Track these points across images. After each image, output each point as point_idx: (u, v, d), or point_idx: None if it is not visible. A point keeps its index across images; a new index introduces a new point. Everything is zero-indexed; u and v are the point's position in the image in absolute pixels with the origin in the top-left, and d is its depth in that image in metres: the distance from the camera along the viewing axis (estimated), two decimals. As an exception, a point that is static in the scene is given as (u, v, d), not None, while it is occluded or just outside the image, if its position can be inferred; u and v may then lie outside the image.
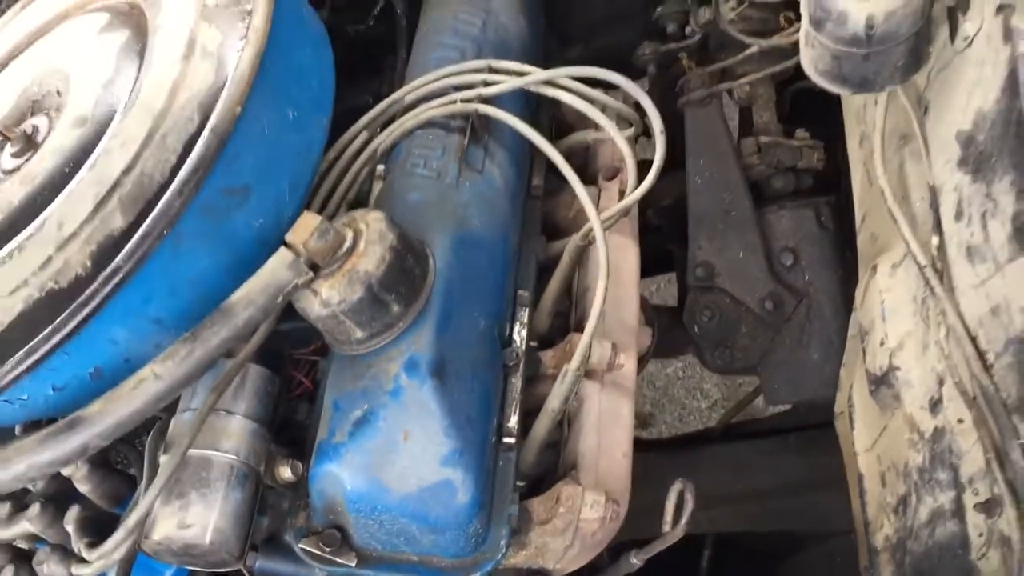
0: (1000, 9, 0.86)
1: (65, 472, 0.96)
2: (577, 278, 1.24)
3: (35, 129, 1.05)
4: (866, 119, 1.22)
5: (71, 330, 0.86)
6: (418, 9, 1.34)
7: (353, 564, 0.93)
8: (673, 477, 1.01)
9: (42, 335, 0.86)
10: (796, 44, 1.20)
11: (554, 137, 1.32)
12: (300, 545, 0.94)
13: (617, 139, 1.08)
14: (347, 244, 0.89)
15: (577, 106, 1.09)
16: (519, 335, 1.10)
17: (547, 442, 1.09)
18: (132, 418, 0.84)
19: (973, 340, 0.84)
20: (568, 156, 1.29)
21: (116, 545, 0.85)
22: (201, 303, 0.90)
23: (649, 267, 1.35)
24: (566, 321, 1.24)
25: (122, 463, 1.02)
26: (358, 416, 0.89)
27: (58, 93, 1.08)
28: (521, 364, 1.07)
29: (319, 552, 0.93)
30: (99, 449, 0.85)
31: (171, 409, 0.98)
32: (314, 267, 0.88)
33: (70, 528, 0.91)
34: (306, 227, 0.88)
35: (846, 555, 1.22)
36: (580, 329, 1.09)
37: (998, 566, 0.78)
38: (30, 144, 1.04)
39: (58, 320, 0.86)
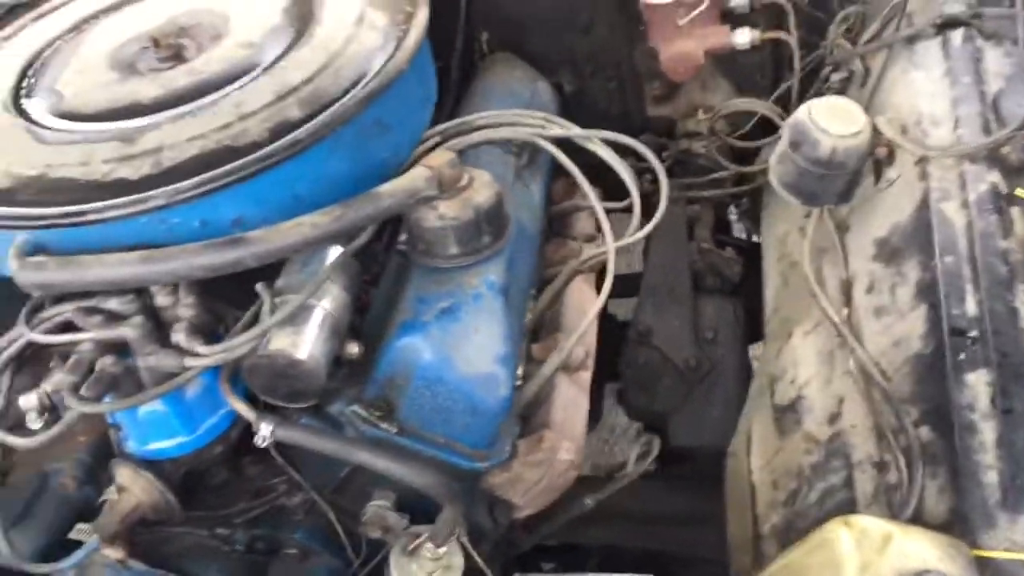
0: (919, 160, 1.26)
1: (164, 302, 1.08)
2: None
3: (182, 46, 1.25)
4: (786, 243, 1.61)
5: (237, 179, 1.04)
6: (467, 78, 1.65)
7: (393, 431, 1.09)
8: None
9: (212, 174, 1.03)
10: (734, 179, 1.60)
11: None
12: (352, 408, 1.09)
13: (629, 182, 1.38)
14: (464, 182, 1.13)
15: (608, 159, 1.40)
16: (527, 316, 1.34)
17: (528, 404, 1.30)
18: (283, 250, 1.01)
19: (877, 364, 1.17)
20: (555, 218, 1.61)
21: (244, 342, 0.99)
22: (328, 196, 1.10)
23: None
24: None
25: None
26: (443, 307, 1.09)
27: (214, 26, 1.28)
28: (527, 334, 1.30)
29: (367, 416, 1.09)
30: (245, 267, 1.01)
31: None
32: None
33: (180, 335, 1.02)
34: (442, 157, 1.11)
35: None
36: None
37: (884, 509, 1.07)
38: (177, 56, 1.23)
39: (228, 167, 1.03)
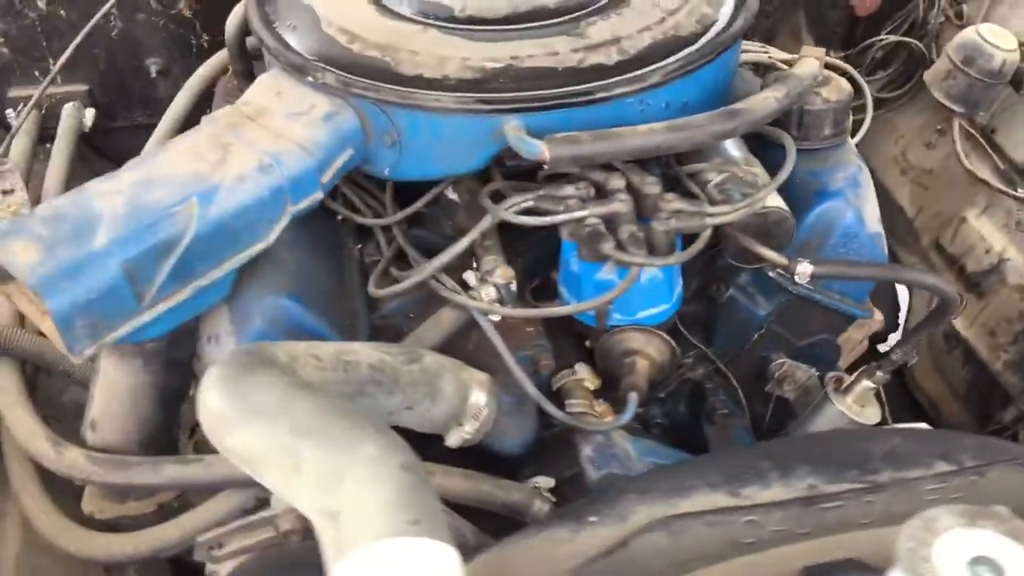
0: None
1: (617, 184, 1.14)
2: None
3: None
4: (907, 159, 1.93)
5: (701, 63, 1.14)
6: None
7: (803, 289, 1.23)
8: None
9: (686, 56, 1.13)
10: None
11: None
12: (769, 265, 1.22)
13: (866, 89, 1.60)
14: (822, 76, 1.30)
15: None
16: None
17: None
18: (759, 121, 1.12)
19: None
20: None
21: (761, 197, 1.08)
22: (728, 86, 1.23)
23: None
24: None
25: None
26: (846, 175, 1.25)
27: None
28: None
29: (780, 276, 1.22)
30: (734, 136, 1.12)
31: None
32: (814, 81, 1.27)
33: (675, 203, 1.09)
34: (818, 51, 1.28)
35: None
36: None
37: None
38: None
39: (695, 51, 1.14)
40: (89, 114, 1.66)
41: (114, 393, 1.09)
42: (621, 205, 1.09)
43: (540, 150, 1.04)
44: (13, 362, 1.23)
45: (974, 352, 1.64)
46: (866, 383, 1.22)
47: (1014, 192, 1.63)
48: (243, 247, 1.04)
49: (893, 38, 1.90)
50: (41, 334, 1.23)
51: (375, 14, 1.20)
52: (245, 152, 1.05)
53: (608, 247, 1.05)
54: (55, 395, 1.36)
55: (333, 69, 1.10)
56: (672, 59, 1.12)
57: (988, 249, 1.67)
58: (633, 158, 1.09)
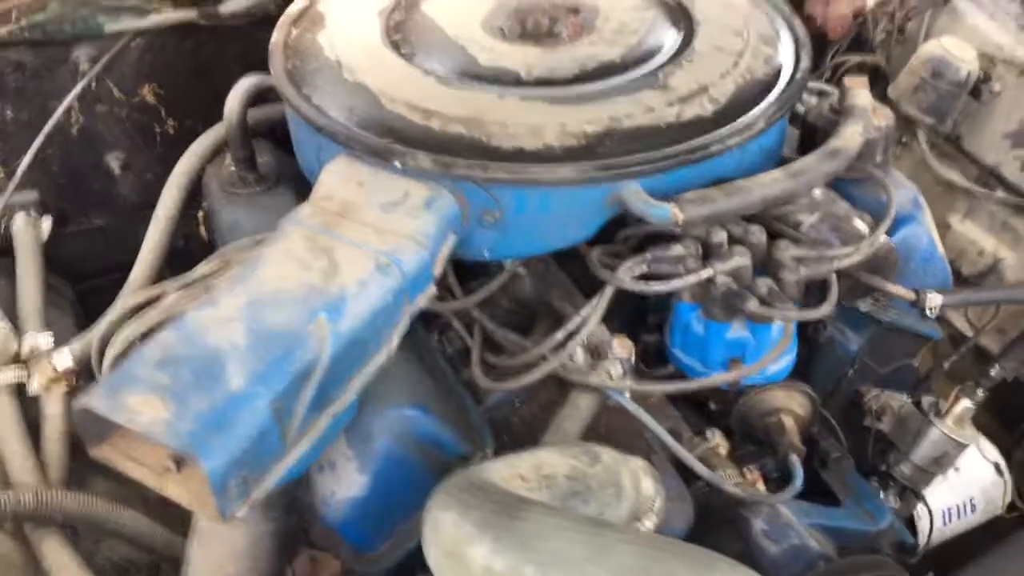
0: (1021, 72, 1.73)
1: (719, 239, 1.09)
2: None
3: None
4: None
5: (789, 107, 1.13)
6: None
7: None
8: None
9: (771, 101, 1.11)
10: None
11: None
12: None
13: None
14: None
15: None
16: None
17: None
18: (851, 158, 1.11)
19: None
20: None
21: (878, 235, 1.07)
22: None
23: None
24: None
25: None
26: (911, 199, 1.25)
27: (575, 12, 1.26)
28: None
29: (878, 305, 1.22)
30: (833, 176, 1.10)
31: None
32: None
33: (792, 250, 1.05)
34: (863, 82, 1.29)
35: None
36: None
37: None
38: (551, 33, 1.24)
39: (772, 97, 1.12)
40: (46, 224, 1.45)
41: (229, 551, 0.93)
42: (742, 259, 1.05)
43: (670, 213, 0.98)
44: (60, 531, 1.04)
45: (988, 354, 1.71)
46: (965, 403, 1.23)
47: (995, 194, 1.72)
48: (370, 359, 0.92)
49: (857, 58, 1.98)
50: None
51: (438, 86, 1.10)
52: (353, 254, 0.93)
53: (752, 305, 1.00)
54: (88, 556, 1.16)
55: (424, 151, 1.00)
56: (768, 103, 1.10)
57: (980, 252, 1.75)
58: (759, 210, 1.05)
